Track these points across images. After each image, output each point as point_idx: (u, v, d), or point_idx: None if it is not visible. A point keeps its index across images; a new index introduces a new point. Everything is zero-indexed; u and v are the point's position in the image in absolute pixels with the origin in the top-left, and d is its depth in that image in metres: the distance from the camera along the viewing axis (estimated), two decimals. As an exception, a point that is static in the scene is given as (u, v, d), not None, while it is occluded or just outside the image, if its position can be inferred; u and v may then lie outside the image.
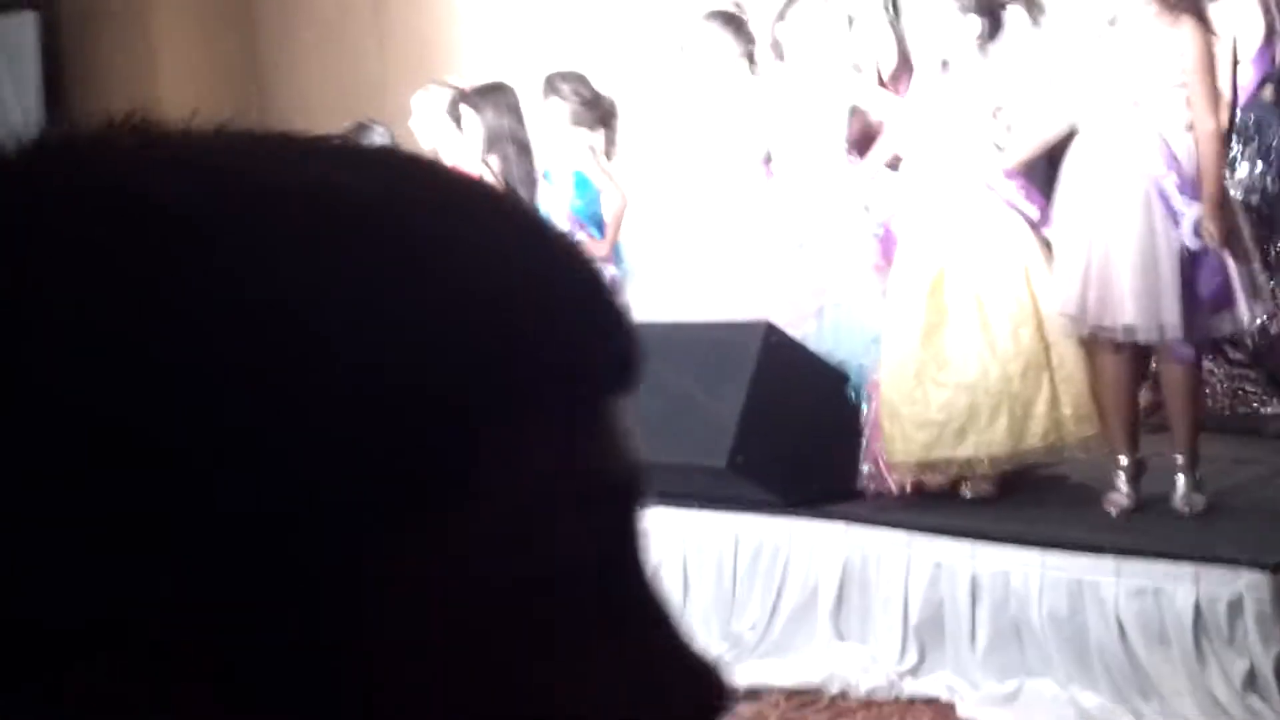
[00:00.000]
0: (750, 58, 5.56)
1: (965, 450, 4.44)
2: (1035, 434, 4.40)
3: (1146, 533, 4.07)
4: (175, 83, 10.41)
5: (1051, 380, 4.41)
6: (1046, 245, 4.50)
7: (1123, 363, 4.31)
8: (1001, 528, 4.21)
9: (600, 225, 5.50)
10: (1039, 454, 4.47)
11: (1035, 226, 4.52)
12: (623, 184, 5.54)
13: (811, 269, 4.92)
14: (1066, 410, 4.39)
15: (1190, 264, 4.11)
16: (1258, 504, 4.39)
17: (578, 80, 5.60)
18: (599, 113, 5.54)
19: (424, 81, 6.35)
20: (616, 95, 5.99)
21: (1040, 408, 4.40)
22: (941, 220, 4.56)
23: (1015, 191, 4.51)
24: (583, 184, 5.53)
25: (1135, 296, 4.12)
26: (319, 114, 7.72)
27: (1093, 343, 4.33)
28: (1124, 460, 4.32)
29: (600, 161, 5.48)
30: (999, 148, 4.54)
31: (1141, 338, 4.19)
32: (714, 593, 4.68)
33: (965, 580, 4.16)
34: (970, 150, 4.56)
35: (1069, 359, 4.41)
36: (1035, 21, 4.58)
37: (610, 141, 5.69)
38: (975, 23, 4.55)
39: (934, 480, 4.55)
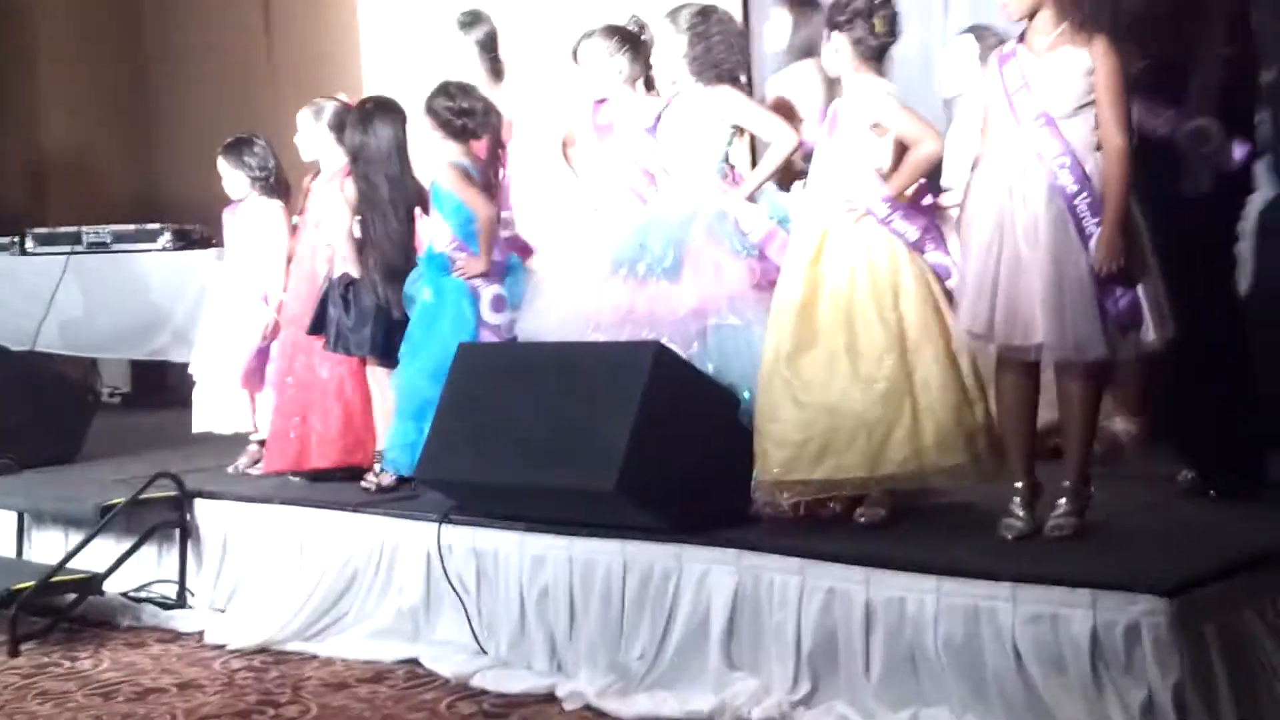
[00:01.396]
0: (644, 78, 5.49)
1: (822, 472, 4.36)
2: (893, 460, 4.32)
3: (1043, 558, 3.99)
4: (62, 112, 10.15)
5: (914, 407, 4.33)
6: (925, 268, 4.44)
7: (1022, 386, 4.26)
8: (896, 553, 4.11)
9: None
10: (898, 481, 4.38)
11: (914, 247, 4.45)
12: (490, 197, 5.40)
13: (689, 291, 4.81)
14: (929, 439, 4.32)
15: (1099, 284, 4.07)
16: (1156, 530, 4.34)
17: (444, 94, 5.43)
18: (472, 124, 5.39)
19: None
20: (510, 107, 5.89)
21: (900, 434, 4.32)
22: (818, 240, 4.50)
23: (893, 213, 4.43)
24: (441, 200, 5.38)
25: (1047, 315, 4.07)
26: (208, 139, 7.55)
27: (999, 362, 4.26)
28: (1019, 484, 4.26)
29: (455, 177, 5.31)
30: (878, 169, 4.47)
31: (1054, 356, 4.14)
32: (601, 621, 4.56)
33: (859, 607, 4.06)
34: (849, 170, 4.49)
35: (934, 386, 4.34)
36: (888, 33, 4.52)
37: (492, 154, 5.54)
38: (835, 40, 4.51)
39: (791, 500, 4.44)
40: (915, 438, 4.32)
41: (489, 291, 5.33)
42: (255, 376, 6.14)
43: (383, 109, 5.61)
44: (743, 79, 5.11)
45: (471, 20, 6.13)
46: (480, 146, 5.54)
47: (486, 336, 5.29)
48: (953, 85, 5.52)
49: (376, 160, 5.50)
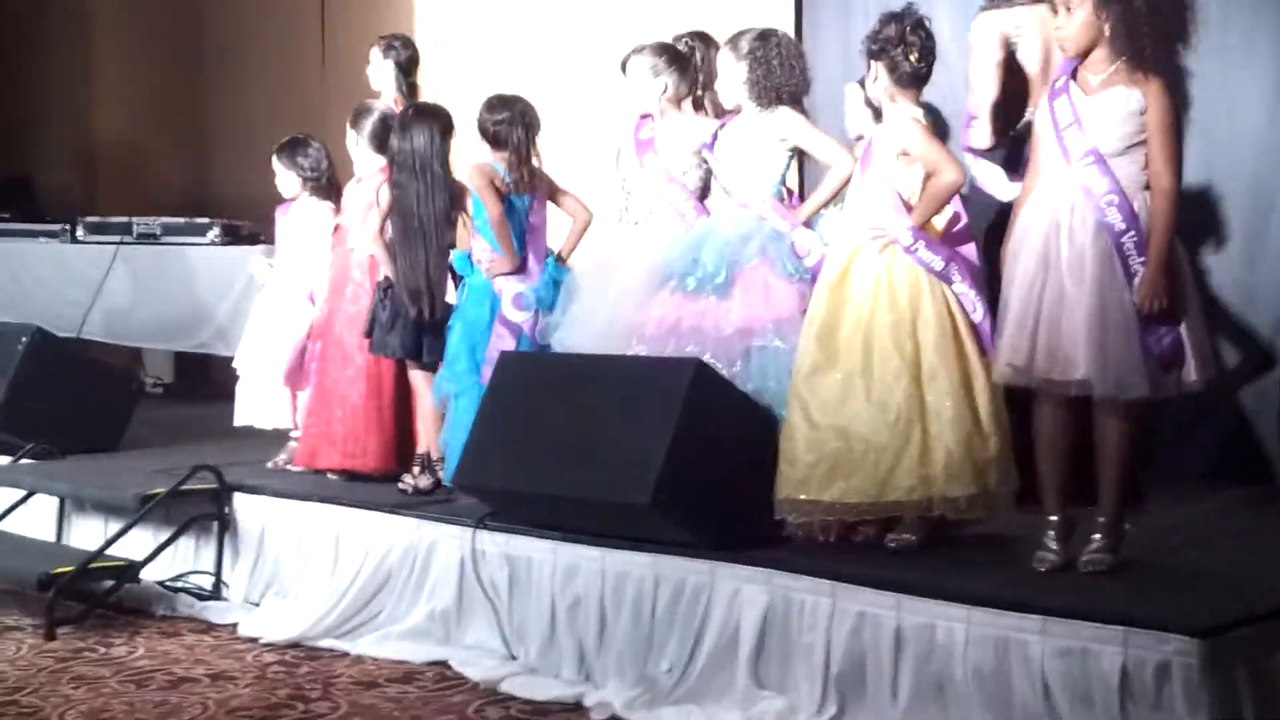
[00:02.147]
0: (693, 98, 5.52)
1: (830, 494, 4.38)
2: (900, 487, 4.34)
3: (1075, 593, 4.00)
4: (117, 103, 10.27)
5: (924, 435, 4.35)
6: (949, 297, 4.46)
7: (1059, 419, 4.25)
8: (928, 581, 4.12)
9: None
10: (904, 508, 4.40)
11: (940, 276, 4.47)
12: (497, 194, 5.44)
13: (737, 310, 4.85)
14: (937, 468, 4.34)
15: (1143, 322, 4.08)
16: (1191, 569, 4.34)
17: (486, 107, 5.53)
18: (504, 131, 5.46)
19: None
20: (553, 114, 5.95)
21: (908, 461, 4.34)
22: (844, 264, 4.54)
23: (918, 241, 4.46)
24: (475, 201, 5.47)
25: (1089, 351, 4.07)
26: (260, 137, 7.62)
27: (1037, 396, 4.25)
28: (1053, 517, 4.27)
29: (477, 179, 5.42)
30: (903, 198, 4.49)
31: (1095, 393, 4.13)
32: (631, 633, 4.58)
33: (889, 632, 4.08)
34: (878, 197, 4.52)
35: (946, 416, 4.35)
36: (917, 60, 4.55)
37: (523, 156, 5.55)
38: (874, 70, 4.57)
39: (803, 519, 4.46)
40: (923, 466, 4.33)
41: (511, 289, 5.38)
42: (298, 374, 6.20)
43: (423, 114, 5.67)
44: (804, 101, 5.15)
45: (391, 45, 6.46)
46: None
47: (502, 333, 5.33)
48: (854, 127, 5.53)
49: (410, 165, 5.53)
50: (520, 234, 5.45)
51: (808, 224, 4.97)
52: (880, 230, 4.50)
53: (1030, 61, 5.58)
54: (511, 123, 5.47)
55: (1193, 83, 5.56)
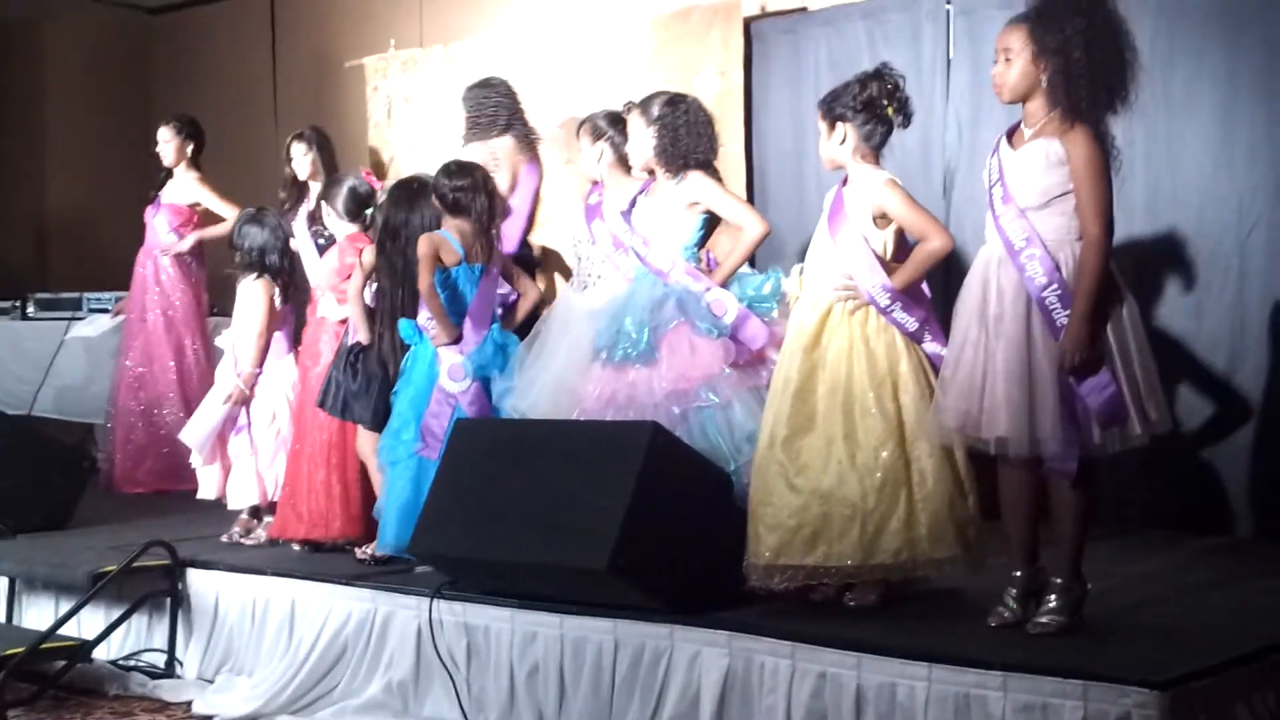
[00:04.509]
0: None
1: (814, 559, 4.35)
2: (887, 550, 4.32)
3: (1035, 648, 3.98)
4: (68, 175, 10.25)
5: (910, 498, 4.34)
6: (923, 359, 4.46)
7: (1020, 480, 4.21)
8: (888, 639, 4.10)
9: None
10: (889, 571, 4.38)
11: (913, 339, 4.47)
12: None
13: (666, 373, 4.89)
14: (922, 530, 4.32)
15: (1076, 378, 4.01)
16: (1149, 621, 4.33)
17: (445, 173, 5.50)
18: (464, 200, 5.42)
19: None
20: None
21: (894, 525, 4.32)
22: (815, 325, 4.51)
23: (894, 303, 4.46)
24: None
25: (1009, 410, 4.04)
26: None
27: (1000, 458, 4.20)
28: (1016, 574, 4.24)
29: (424, 248, 5.36)
30: (880, 257, 4.49)
31: (1012, 452, 4.09)
32: (591, 699, 4.54)
33: (850, 692, 4.05)
34: (850, 258, 4.51)
35: (930, 478, 4.34)
36: (904, 123, 4.56)
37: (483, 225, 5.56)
38: (842, 130, 4.54)
39: (782, 585, 4.43)
40: (909, 529, 4.31)
41: (449, 359, 5.34)
42: (210, 445, 6.20)
43: (426, 189, 5.65)
44: (714, 164, 5.18)
45: (301, 136, 7.02)
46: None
47: (439, 402, 5.29)
48: None
49: (417, 238, 5.49)
50: (464, 304, 5.39)
51: (724, 284, 5.00)
52: (851, 290, 4.49)
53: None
54: (474, 190, 5.44)
55: (1136, 132, 5.62)
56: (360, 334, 5.63)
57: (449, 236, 5.39)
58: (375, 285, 5.60)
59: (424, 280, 5.31)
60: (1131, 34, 4.08)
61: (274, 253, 6.19)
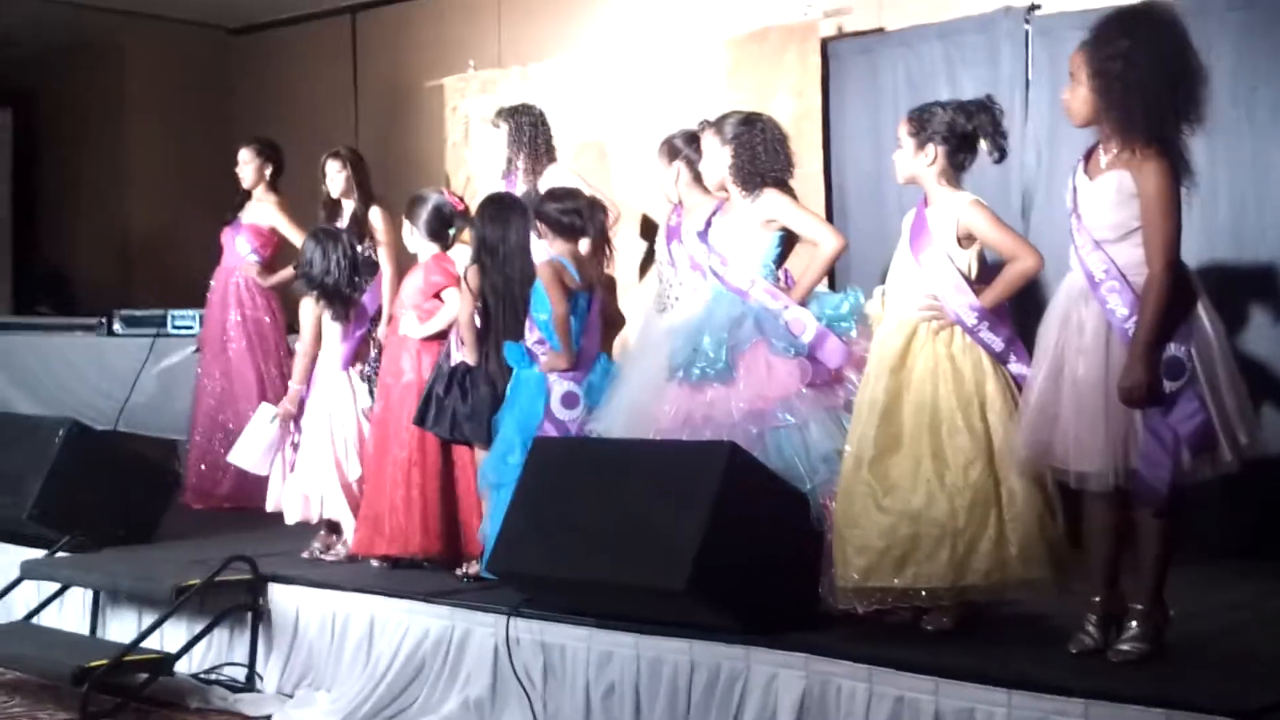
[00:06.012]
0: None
1: (904, 580, 4.33)
2: (978, 571, 4.30)
3: (1118, 675, 3.94)
4: (150, 194, 10.41)
5: (999, 518, 4.31)
6: (1008, 379, 4.44)
7: (1103, 503, 4.16)
8: (966, 663, 4.07)
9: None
10: (980, 591, 4.35)
11: (998, 359, 4.45)
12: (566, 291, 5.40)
13: (743, 393, 4.87)
14: (1013, 550, 4.29)
15: (1166, 405, 3.96)
16: (1238, 649, 4.28)
17: (552, 198, 5.57)
18: (579, 223, 5.47)
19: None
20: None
21: (985, 545, 4.29)
22: (901, 345, 4.50)
23: (981, 322, 4.44)
24: (540, 294, 5.43)
25: (1088, 443, 4.01)
26: (295, 220, 7.72)
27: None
28: (1096, 599, 4.19)
29: (548, 274, 5.38)
30: (965, 277, 4.48)
31: (1093, 486, 4.06)
32: (667, 720, 4.53)
33: (928, 716, 4.02)
34: (937, 278, 4.49)
35: (1020, 498, 4.31)
36: (998, 157, 4.55)
37: (599, 248, 5.60)
38: (932, 151, 4.53)
39: (872, 607, 4.42)
40: (1000, 549, 4.29)
41: (561, 387, 5.35)
42: (267, 460, 6.36)
43: (520, 206, 5.70)
44: (790, 183, 5.18)
45: (336, 155, 7.08)
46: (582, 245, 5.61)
47: (550, 431, 5.30)
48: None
49: (514, 255, 5.54)
50: (579, 331, 5.41)
51: (802, 302, 4.99)
52: (937, 309, 4.48)
53: None
54: (587, 215, 5.48)
55: (1219, 154, 5.57)
56: (468, 355, 5.65)
57: (564, 262, 5.41)
58: (480, 306, 5.59)
59: (560, 306, 5.32)
60: (1194, 50, 3.99)
61: (328, 273, 6.22)
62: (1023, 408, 4.23)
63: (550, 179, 6.33)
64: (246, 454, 6.40)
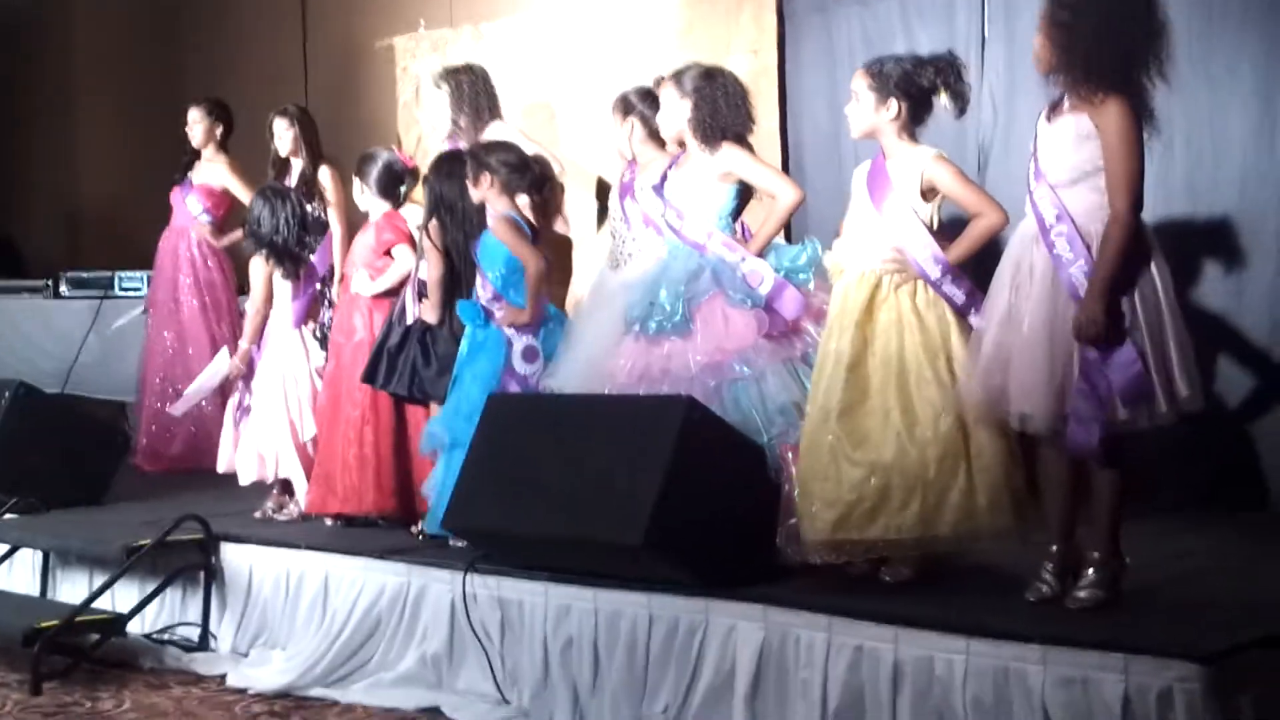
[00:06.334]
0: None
1: (874, 532, 4.33)
2: (947, 522, 4.30)
3: (1075, 621, 3.95)
4: (99, 158, 10.27)
5: (969, 469, 4.31)
6: (969, 330, 4.43)
7: (1054, 452, 4.18)
8: (925, 613, 4.07)
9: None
10: (949, 542, 4.36)
11: (960, 312, 4.45)
12: (537, 249, 5.36)
13: (700, 345, 4.85)
14: (981, 500, 4.30)
15: (1101, 355, 3.95)
16: (1194, 595, 4.30)
17: (499, 149, 5.50)
18: (521, 180, 5.42)
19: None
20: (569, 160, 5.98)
21: (954, 496, 4.30)
22: (865, 299, 4.48)
23: (945, 275, 4.44)
24: (489, 251, 5.37)
25: (1030, 385, 4.02)
26: (247, 177, 7.63)
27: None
28: (1053, 548, 4.21)
29: (507, 229, 5.31)
30: (930, 230, 4.47)
31: (1033, 428, 4.08)
32: (626, 674, 4.53)
33: (887, 666, 4.03)
34: (900, 231, 4.47)
35: (987, 448, 4.31)
36: (959, 112, 4.53)
37: (543, 205, 5.56)
38: (894, 106, 4.50)
39: (841, 560, 4.41)
40: (969, 499, 4.29)
41: (521, 341, 5.31)
42: (197, 388, 6.45)
43: (448, 159, 5.63)
44: (748, 137, 5.15)
45: (283, 113, 7.11)
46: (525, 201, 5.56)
47: (512, 386, 5.27)
48: None
49: (472, 212, 5.47)
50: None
51: (760, 254, 4.97)
52: (900, 262, 4.47)
53: None
54: (526, 165, 5.42)
55: (1176, 109, 5.55)
56: (430, 313, 5.58)
57: (515, 217, 5.36)
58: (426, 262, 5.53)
59: (534, 262, 5.26)
60: (1158, 2, 4.01)
61: (276, 231, 6.13)
62: (974, 351, 4.24)
63: (492, 135, 6.26)
64: (182, 405, 6.36)
